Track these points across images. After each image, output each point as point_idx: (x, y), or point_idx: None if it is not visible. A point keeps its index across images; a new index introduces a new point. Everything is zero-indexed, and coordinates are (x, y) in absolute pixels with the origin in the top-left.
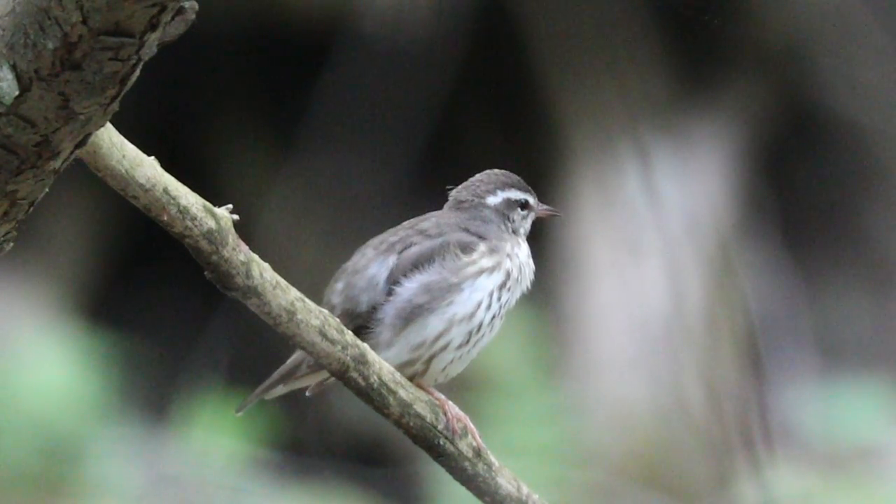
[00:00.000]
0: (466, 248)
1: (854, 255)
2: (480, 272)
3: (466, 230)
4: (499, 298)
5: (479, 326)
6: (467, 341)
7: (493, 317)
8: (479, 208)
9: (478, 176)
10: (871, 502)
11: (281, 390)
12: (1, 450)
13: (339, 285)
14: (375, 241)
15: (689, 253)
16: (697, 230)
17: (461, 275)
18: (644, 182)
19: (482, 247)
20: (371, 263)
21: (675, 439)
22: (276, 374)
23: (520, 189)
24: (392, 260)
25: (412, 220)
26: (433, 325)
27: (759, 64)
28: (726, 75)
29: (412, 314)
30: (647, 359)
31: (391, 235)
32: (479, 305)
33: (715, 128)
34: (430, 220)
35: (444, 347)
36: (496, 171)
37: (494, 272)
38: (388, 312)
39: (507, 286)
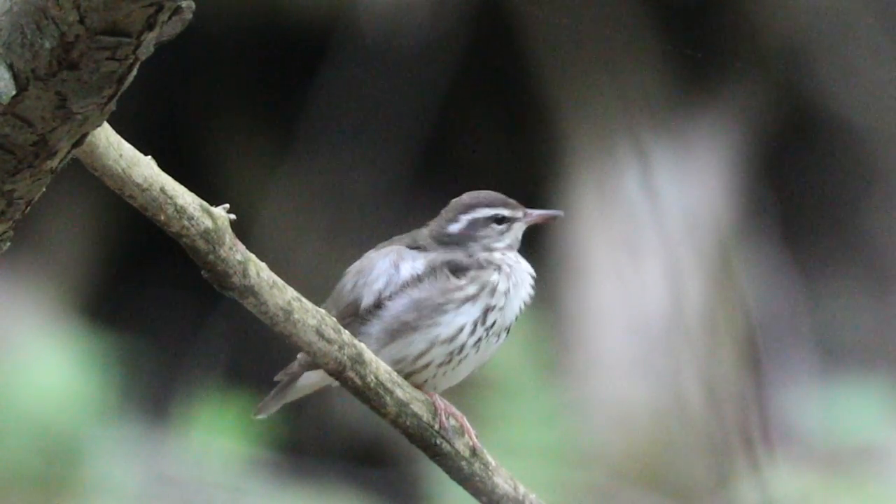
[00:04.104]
0: (457, 271)
1: (854, 255)
2: (466, 299)
3: (452, 257)
4: (483, 323)
5: (462, 348)
6: (448, 361)
7: (479, 340)
8: (445, 237)
9: (451, 203)
10: (871, 502)
11: (298, 393)
12: (1, 450)
13: (348, 285)
14: (372, 250)
15: (688, 253)
16: (697, 230)
17: (447, 297)
18: (643, 182)
19: (471, 273)
20: (377, 262)
21: (674, 439)
22: (288, 378)
23: (489, 205)
24: (413, 257)
25: (402, 236)
26: (416, 343)
27: (758, 64)
28: (726, 75)
29: (398, 331)
30: (646, 359)
31: (387, 245)
32: (461, 329)
33: (714, 128)
34: (422, 235)
35: (426, 366)
36: (467, 194)
37: (478, 301)
38: (377, 326)
39: (493, 310)
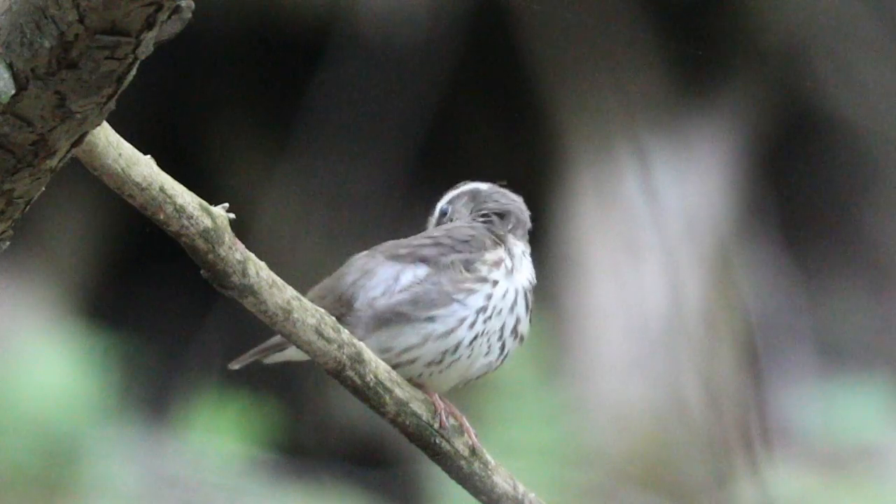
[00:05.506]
0: (468, 264)
1: (854, 255)
2: (478, 281)
3: (460, 255)
4: (485, 311)
5: (457, 347)
6: (440, 360)
7: (476, 336)
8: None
9: (454, 194)
10: (871, 502)
11: (283, 357)
12: (0, 450)
13: (349, 278)
14: (382, 248)
15: (688, 253)
16: (696, 230)
17: (457, 286)
18: (643, 182)
19: (486, 255)
20: (380, 270)
21: (674, 439)
22: (276, 338)
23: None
24: (414, 267)
25: (415, 236)
26: (405, 335)
27: (758, 64)
28: (725, 75)
29: (389, 320)
30: (646, 359)
31: (399, 248)
32: (461, 322)
33: (714, 128)
34: (440, 232)
35: (412, 361)
36: (471, 182)
37: (486, 284)
38: (368, 312)
39: (497, 287)
